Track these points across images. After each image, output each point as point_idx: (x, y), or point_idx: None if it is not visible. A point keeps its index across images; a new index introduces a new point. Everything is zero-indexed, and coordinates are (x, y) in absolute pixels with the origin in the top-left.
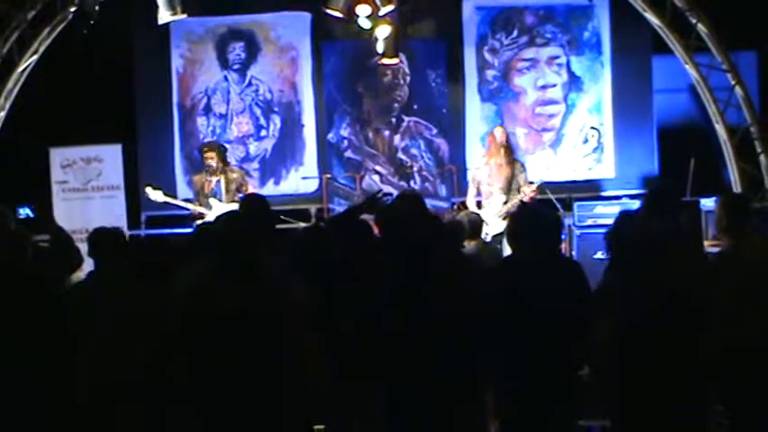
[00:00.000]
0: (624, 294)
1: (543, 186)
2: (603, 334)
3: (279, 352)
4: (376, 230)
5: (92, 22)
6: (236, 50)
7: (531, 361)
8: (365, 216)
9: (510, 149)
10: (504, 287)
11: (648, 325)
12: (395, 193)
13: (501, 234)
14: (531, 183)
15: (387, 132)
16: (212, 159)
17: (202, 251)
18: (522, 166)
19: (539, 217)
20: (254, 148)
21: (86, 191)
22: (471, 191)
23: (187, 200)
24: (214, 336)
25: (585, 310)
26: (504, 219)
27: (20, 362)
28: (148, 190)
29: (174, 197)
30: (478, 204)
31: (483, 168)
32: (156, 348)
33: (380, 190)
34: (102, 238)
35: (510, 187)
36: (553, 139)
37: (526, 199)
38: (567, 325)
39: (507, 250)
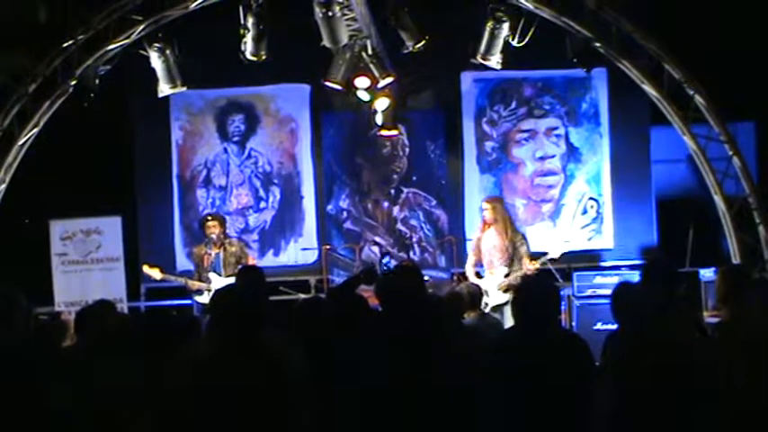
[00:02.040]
0: (619, 365)
1: (564, 256)
2: (603, 405)
3: (280, 425)
4: (374, 302)
5: (92, 94)
6: (236, 122)
7: None
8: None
9: (507, 221)
10: (506, 361)
11: (644, 395)
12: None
13: (501, 305)
14: (539, 256)
15: (386, 203)
16: (215, 229)
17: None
18: (524, 237)
19: (542, 289)
20: (253, 219)
21: (86, 263)
22: (471, 260)
23: (185, 273)
24: (215, 409)
25: (589, 384)
26: (504, 291)
27: None
28: (145, 268)
29: (172, 273)
30: (477, 275)
31: (483, 239)
32: (155, 424)
33: (380, 260)
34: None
35: (512, 259)
36: (552, 209)
37: (529, 273)
38: (570, 399)
39: (508, 321)
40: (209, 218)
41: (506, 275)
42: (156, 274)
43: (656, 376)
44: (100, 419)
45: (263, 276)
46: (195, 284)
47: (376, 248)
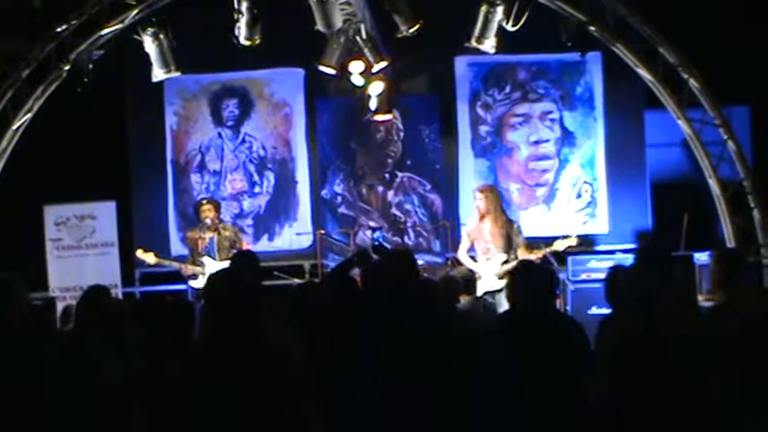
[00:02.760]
0: (614, 349)
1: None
2: (599, 395)
3: (277, 415)
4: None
5: (86, 79)
6: (230, 107)
7: (529, 422)
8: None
9: (502, 210)
10: (502, 343)
11: (639, 379)
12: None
13: (494, 291)
14: (539, 243)
15: (380, 188)
16: (210, 212)
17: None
18: (518, 228)
19: (541, 273)
20: (247, 204)
21: (80, 248)
22: (464, 245)
23: (179, 257)
24: (212, 400)
25: (584, 369)
26: (501, 278)
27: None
28: (139, 252)
29: (167, 258)
30: (473, 258)
31: (478, 226)
32: (151, 416)
33: (372, 236)
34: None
35: (510, 246)
36: (547, 194)
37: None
38: (566, 383)
39: (501, 307)
40: (204, 201)
41: (504, 262)
42: (150, 258)
43: (652, 367)
44: (99, 406)
45: (258, 261)
46: (189, 268)
47: (370, 233)
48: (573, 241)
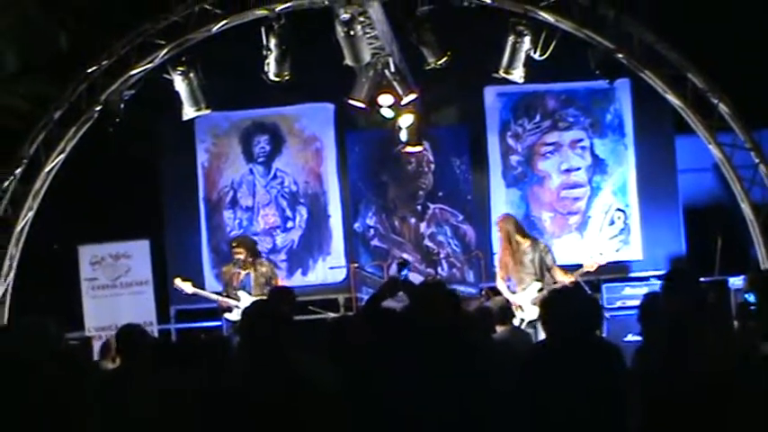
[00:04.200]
0: (647, 378)
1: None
2: (633, 421)
3: None
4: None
5: (117, 119)
6: (261, 143)
7: None
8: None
9: (525, 234)
10: (532, 379)
11: (674, 408)
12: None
13: (536, 320)
14: (574, 268)
15: (413, 220)
16: (241, 254)
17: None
18: (547, 246)
19: (572, 301)
20: (280, 239)
21: (115, 287)
22: (500, 274)
23: (216, 293)
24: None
25: (620, 400)
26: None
27: None
28: (177, 281)
29: (203, 289)
30: (509, 290)
31: (506, 257)
32: None
33: (398, 271)
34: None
35: (542, 271)
36: (579, 221)
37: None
38: (599, 417)
39: (542, 335)
40: (234, 243)
41: (540, 290)
42: (187, 287)
43: (685, 396)
44: None
45: (294, 296)
46: (226, 300)
47: (396, 268)
48: (602, 260)
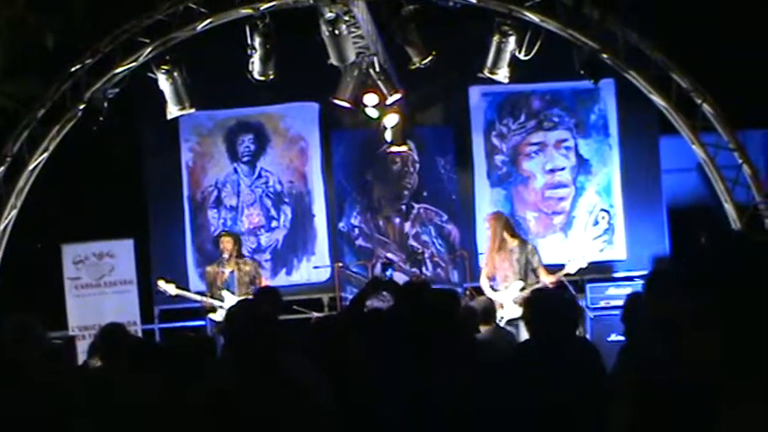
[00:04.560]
0: (632, 377)
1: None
2: (615, 422)
3: None
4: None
5: (101, 118)
6: (246, 142)
7: None
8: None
9: (514, 234)
10: (516, 376)
11: (659, 406)
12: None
13: (516, 319)
14: (555, 269)
15: (397, 220)
16: (229, 245)
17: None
18: (535, 248)
19: (553, 301)
20: (265, 239)
21: (99, 286)
22: (485, 273)
23: (200, 292)
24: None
25: (601, 398)
26: (521, 305)
27: None
28: (160, 283)
29: (187, 290)
30: (492, 288)
31: (494, 254)
32: None
33: (382, 271)
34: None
35: (526, 272)
36: (564, 221)
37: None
38: (580, 417)
39: (523, 334)
40: (224, 234)
41: (522, 289)
42: (171, 289)
43: (668, 393)
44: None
45: (280, 297)
46: (210, 301)
47: (380, 268)
48: (584, 263)
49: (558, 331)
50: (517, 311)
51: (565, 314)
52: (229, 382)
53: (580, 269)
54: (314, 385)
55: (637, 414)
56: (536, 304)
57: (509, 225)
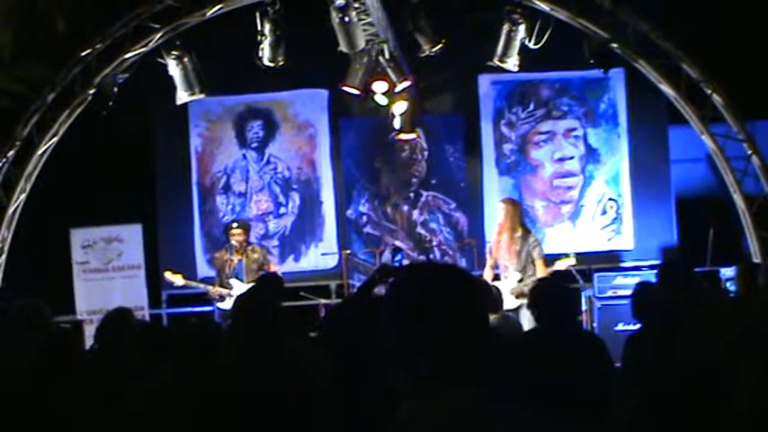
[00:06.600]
0: (640, 367)
1: (578, 257)
2: (624, 411)
3: (308, 426)
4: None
5: (110, 103)
6: (255, 129)
7: None
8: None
9: (520, 224)
10: (529, 364)
11: (667, 399)
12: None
13: (513, 310)
14: (555, 258)
15: (405, 207)
16: (239, 236)
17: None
18: (537, 240)
19: (548, 290)
20: (273, 225)
21: (107, 271)
22: (489, 262)
23: (206, 279)
24: (241, 414)
25: (608, 387)
26: (517, 297)
27: None
28: (167, 274)
29: (194, 279)
30: (496, 276)
31: (498, 243)
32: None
33: (392, 258)
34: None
35: (526, 264)
36: (572, 211)
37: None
38: (590, 404)
39: (525, 323)
40: (235, 224)
41: (520, 281)
42: (178, 280)
43: (681, 379)
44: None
45: (282, 283)
46: (217, 290)
47: (390, 254)
48: (572, 261)
49: (559, 322)
50: (514, 302)
51: (567, 305)
52: (236, 366)
53: (570, 266)
54: (322, 371)
55: (642, 403)
56: (534, 293)
57: (521, 214)
